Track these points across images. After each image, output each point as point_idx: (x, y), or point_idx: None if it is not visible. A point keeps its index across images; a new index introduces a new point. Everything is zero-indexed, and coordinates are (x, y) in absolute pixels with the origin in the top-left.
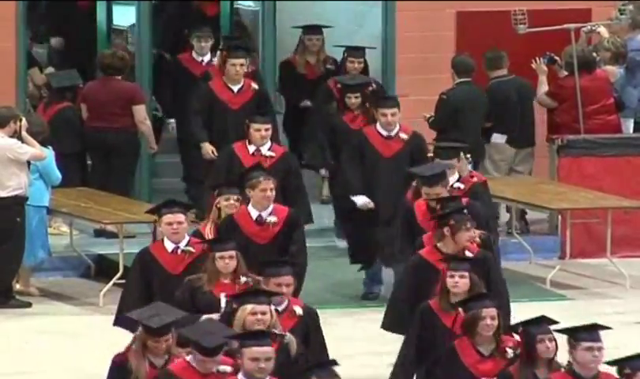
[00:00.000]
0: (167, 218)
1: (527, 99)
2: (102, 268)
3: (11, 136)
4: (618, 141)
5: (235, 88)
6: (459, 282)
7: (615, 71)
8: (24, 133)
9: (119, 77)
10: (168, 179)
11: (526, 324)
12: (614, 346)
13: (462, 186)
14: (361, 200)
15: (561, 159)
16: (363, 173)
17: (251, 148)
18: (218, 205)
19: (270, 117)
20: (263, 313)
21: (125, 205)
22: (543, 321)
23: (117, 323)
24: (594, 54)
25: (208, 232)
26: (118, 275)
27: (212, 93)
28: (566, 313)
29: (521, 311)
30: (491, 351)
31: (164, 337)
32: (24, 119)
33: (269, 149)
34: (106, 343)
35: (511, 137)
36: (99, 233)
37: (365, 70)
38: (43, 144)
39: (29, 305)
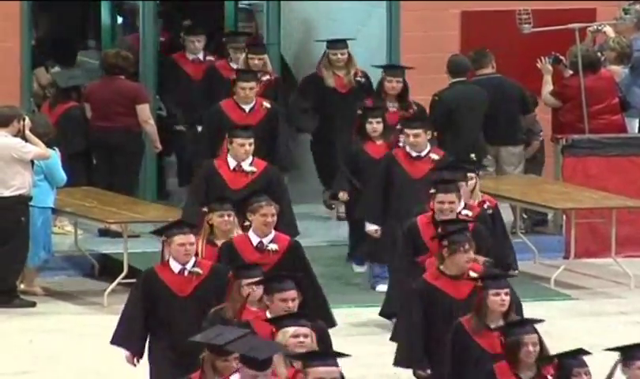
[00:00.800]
0: (180, 239)
1: (509, 97)
2: (106, 268)
3: (15, 136)
4: (622, 141)
5: (247, 108)
6: (505, 300)
7: (620, 71)
8: (27, 132)
9: (123, 77)
10: (173, 179)
11: (563, 356)
12: (617, 345)
13: (470, 213)
14: (372, 228)
15: (565, 159)
16: (387, 199)
17: (232, 163)
18: (210, 222)
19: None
20: (305, 336)
21: (129, 205)
22: (579, 354)
23: (114, 341)
24: (599, 54)
25: (201, 251)
26: (123, 274)
27: (223, 113)
28: (571, 313)
29: (525, 311)
30: (531, 378)
31: (233, 355)
32: (27, 118)
33: (250, 164)
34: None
35: (487, 136)
36: (104, 232)
37: (405, 90)
38: (49, 145)
39: (33, 304)
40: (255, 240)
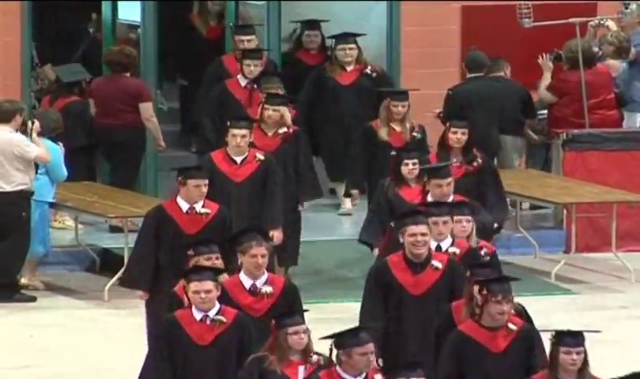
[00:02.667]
0: (194, 286)
1: (515, 93)
2: (107, 263)
3: (17, 130)
4: (623, 136)
5: (238, 159)
6: (577, 359)
7: (617, 65)
8: (34, 136)
9: (127, 74)
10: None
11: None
12: (619, 340)
13: (457, 251)
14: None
15: (566, 154)
16: None
17: (184, 206)
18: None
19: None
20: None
21: (130, 199)
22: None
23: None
24: (595, 49)
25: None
26: (123, 269)
27: (213, 164)
28: (571, 307)
29: (525, 305)
30: None
31: None
32: (37, 122)
33: (202, 206)
34: (111, 336)
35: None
36: (114, 228)
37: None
38: (56, 139)
39: (34, 299)
40: (247, 283)
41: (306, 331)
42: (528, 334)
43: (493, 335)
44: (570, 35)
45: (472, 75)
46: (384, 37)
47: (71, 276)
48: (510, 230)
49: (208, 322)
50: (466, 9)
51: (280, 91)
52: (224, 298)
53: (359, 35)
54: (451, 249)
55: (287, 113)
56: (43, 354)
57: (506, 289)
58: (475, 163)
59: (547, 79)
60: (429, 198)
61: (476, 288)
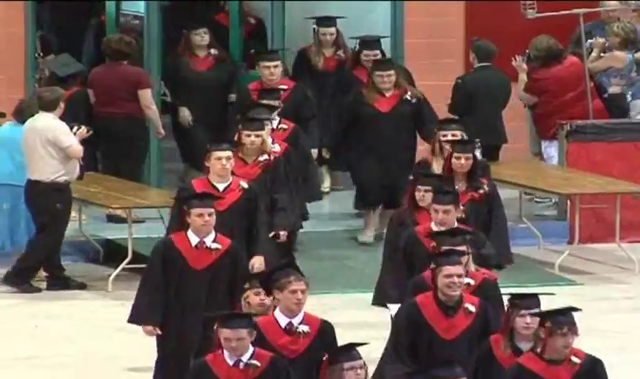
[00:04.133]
0: (225, 333)
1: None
2: (111, 253)
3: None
4: (627, 127)
5: (221, 187)
6: (530, 323)
7: (624, 56)
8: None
9: (126, 62)
10: (177, 164)
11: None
12: (623, 330)
13: (472, 282)
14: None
15: (570, 145)
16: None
17: (194, 239)
18: (247, 300)
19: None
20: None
21: (134, 190)
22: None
23: (133, 320)
24: (601, 40)
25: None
26: (127, 260)
27: (193, 191)
28: (575, 298)
29: None
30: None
31: None
32: (83, 127)
33: (214, 240)
34: (115, 327)
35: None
36: (111, 218)
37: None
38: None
39: (84, 286)
40: (284, 321)
41: (363, 366)
42: (592, 366)
43: (556, 368)
44: (574, 27)
45: (481, 64)
46: (388, 28)
47: (75, 267)
48: (513, 221)
49: (241, 367)
50: (469, 0)
51: (272, 112)
52: (258, 338)
53: (382, 37)
54: (465, 281)
55: (268, 138)
56: (47, 344)
57: (571, 321)
58: (481, 191)
59: (523, 80)
60: (433, 226)
61: (522, 320)
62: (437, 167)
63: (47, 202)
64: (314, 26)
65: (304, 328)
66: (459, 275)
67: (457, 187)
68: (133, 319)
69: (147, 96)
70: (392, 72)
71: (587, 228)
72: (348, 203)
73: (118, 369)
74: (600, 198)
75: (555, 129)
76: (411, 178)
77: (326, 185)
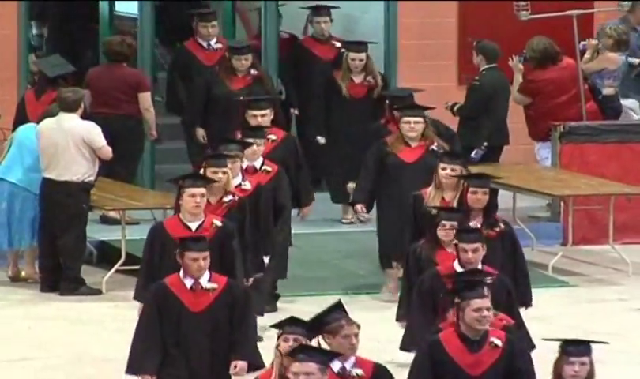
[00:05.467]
0: (295, 367)
1: None
2: (104, 255)
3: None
4: (620, 128)
5: (194, 226)
6: (579, 371)
7: (617, 58)
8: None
9: (125, 64)
10: (170, 166)
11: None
12: (616, 332)
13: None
14: None
15: (563, 146)
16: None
17: (188, 282)
18: (279, 348)
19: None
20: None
21: (127, 192)
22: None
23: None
24: (594, 41)
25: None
26: (121, 261)
27: (164, 232)
28: (569, 300)
29: None
30: None
31: None
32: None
33: (209, 280)
34: (109, 328)
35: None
36: (105, 219)
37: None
38: None
39: (99, 292)
40: (336, 366)
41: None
42: None
43: None
44: (568, 28)
45: (490, 65)
46: (381, 29)
47: None
48: None
49: None
50: (463, 1)
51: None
52: None
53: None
54: (496, 341)
55: (231, 177)
56: (40, 346)
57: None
58: (497, 229)
59: (518, 81)
60: (456, 266)
61: (571, 367)
62: (436, 200)
63: (75, 203)
64: (344, 51)
65: (357, 371)
66: (488, 308)
67: (471, 224)
68: (130, 369)
69: (147, 99)
70: (420, 119)
71: (580, 230)
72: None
73: (112, 371)
74: (593, 200)
75: (547, 130)
76: (433, 212)
77: (349, 216)
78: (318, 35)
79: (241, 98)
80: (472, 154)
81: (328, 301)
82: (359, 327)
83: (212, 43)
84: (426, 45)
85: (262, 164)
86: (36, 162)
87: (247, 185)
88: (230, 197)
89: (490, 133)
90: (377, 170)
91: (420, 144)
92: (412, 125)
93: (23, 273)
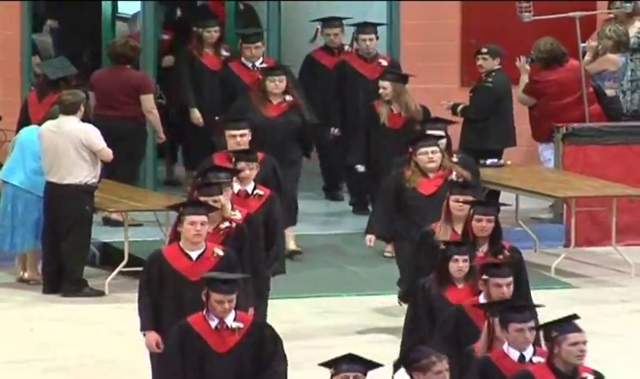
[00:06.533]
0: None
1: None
2: (107, 257)
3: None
4: (623, 129)
5: (194, 255)
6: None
7: (617, 59)
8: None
9: (129, 66)
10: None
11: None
12: (619, 333)
13: (542, 360)
14: None
15: (566, 148)
16: None
17: (213, 322)
18: None
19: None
20: None
21: (130, 193)
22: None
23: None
24: (594, 43)
25: None
26: (124, 263)
27: (163, 261)
28: (571, 301)
29: None
30: None
31: None
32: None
33: (234, 319)
34: (112, 330)
35: None
36: (107, 222)
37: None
38: None
39: (102, 293)
40: None
41: None
42: None
43: None
44: (571, 30)
45: (499, 67)
46: (384, 31)
47: None
48: (510, 224)
49: None
50: (466, 2)
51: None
52: None
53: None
54: (535, 359)
55: (227, 203)
56: (43, 348)
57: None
58: (501, 256)
59: (524, 81)
60: (481, 299)
61: None
62: (446, 234)
63: (78, 205)
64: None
65: None
66: (585, 342)
67: (476, 252)
68: None
69: (149, 101)
70: (437, 148)
71: (583, 231)
72: (346, 204)
73: (115, 373)
74: (596, 201)
75: (551, 131)
76: (442, 247)
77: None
78: (364, 53)
79: (216, 118)
80: (487, 162)
81: (328, 301)
82: (448, 362)
83: (257, 63)
84: (428, 46)
85: (254, 188)
86: (39, 164)
87: (237, 215)
88: (227, 224)
89: (500, 135)
90: (394, 199)
91: (439, 174)
92: (431, 156)
93: (26, 275)
